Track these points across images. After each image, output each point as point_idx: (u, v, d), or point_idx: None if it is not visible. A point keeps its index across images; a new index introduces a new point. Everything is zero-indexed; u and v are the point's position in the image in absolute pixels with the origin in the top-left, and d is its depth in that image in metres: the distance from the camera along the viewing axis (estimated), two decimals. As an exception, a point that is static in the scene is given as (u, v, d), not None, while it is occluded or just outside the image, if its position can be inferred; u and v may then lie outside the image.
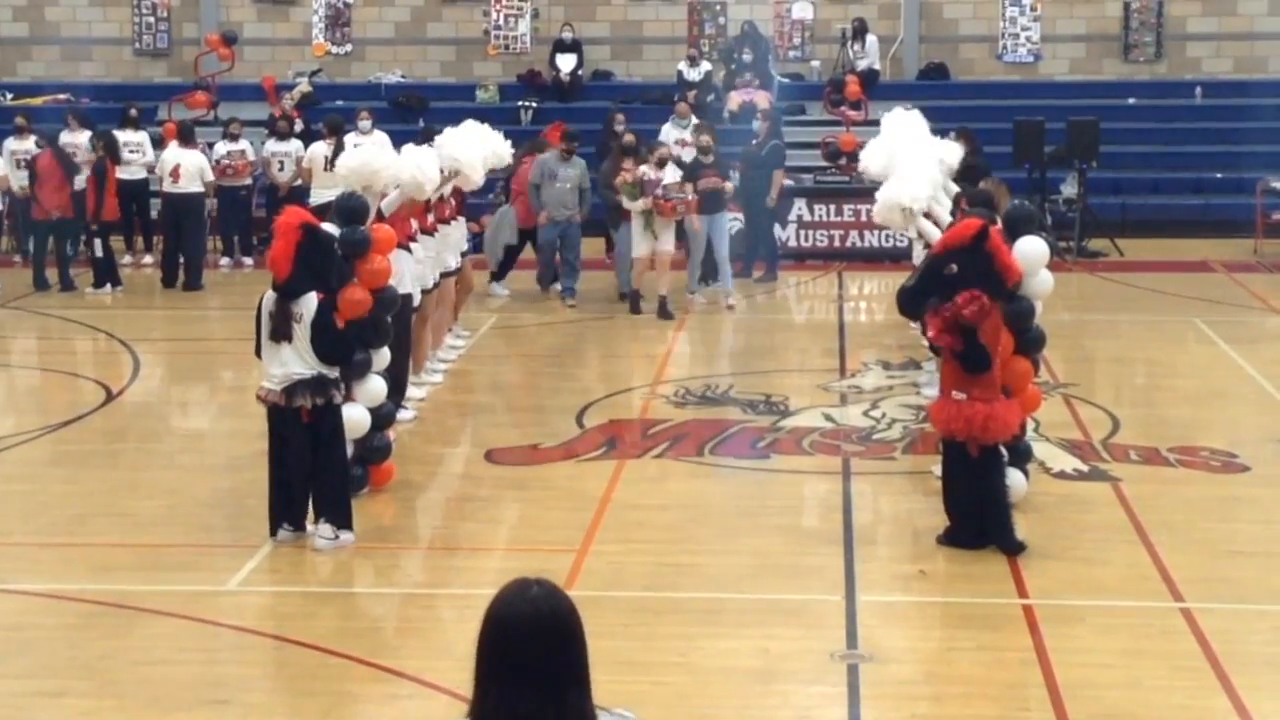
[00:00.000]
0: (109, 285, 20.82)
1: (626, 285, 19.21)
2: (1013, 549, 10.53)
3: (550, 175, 19.21)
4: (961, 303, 10.36)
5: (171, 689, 8.75)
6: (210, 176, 21.63)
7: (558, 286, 19.79)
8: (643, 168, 18.42)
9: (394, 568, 10.80)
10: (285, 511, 10.87)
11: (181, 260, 21.14)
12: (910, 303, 11.11)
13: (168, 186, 21.30)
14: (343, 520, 10.82)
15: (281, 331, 10.58)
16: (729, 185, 19.37)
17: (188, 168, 21.23)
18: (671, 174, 18.45)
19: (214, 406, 15.78)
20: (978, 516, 10.67)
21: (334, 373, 10.70)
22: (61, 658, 9.19)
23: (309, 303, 10.56)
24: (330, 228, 11.28)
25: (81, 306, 20.00)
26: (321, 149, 21.21)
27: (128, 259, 22.60)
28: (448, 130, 15.47)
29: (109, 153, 21.18)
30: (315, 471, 10.78)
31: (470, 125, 15.82)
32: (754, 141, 21.49)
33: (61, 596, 10.07)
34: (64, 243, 21.05)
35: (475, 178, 15.30)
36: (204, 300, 20.70)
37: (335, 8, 28.54)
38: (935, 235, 11.72)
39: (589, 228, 20.11)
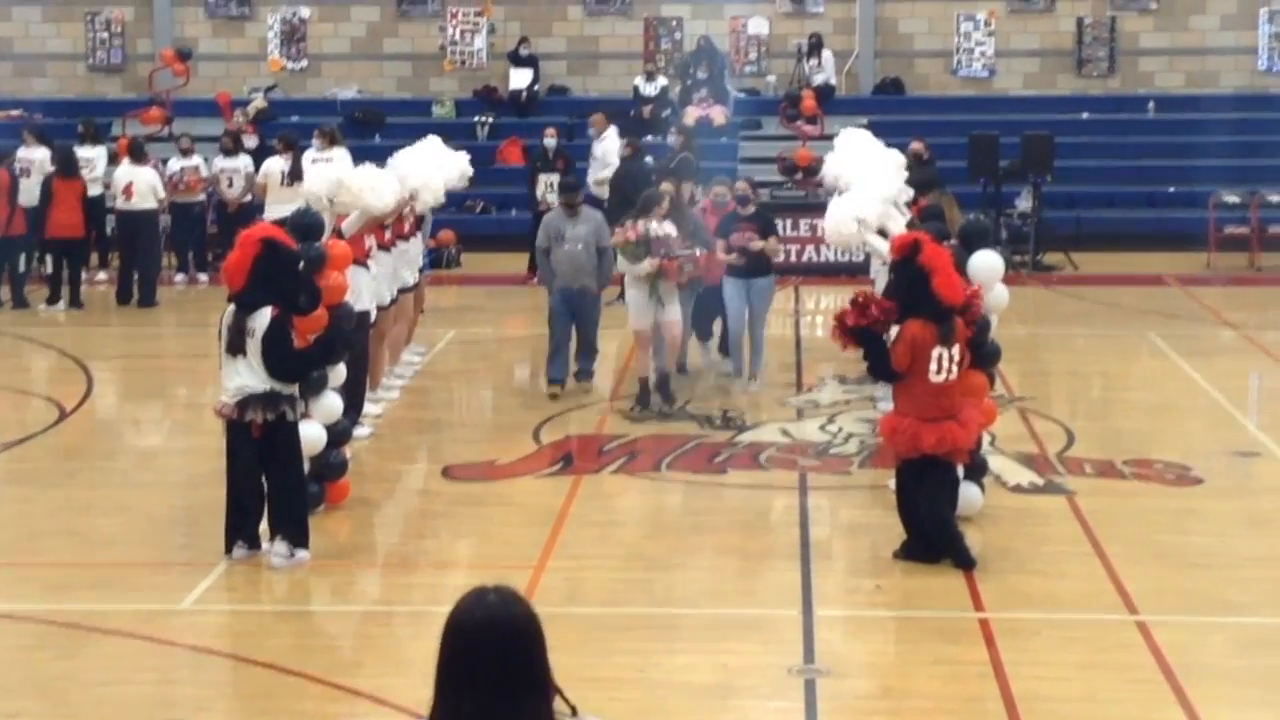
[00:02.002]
0: (61, 302, 20.75)
1: (677, 362, 15.93)
2: (965, 563, 10.57)
3: (557, 236, 15.27)
4: (862, 306, 10.58)
5: (126, 709, 8.69)
6: (163, 193, 21.56)
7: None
8: (647, 222, 14.71)
9: (351, 585, 10.76)
10: (240, 529, 10.82)
11: (136, 277, 21.08)
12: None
13: (121, 204, 21.23)
14: (299, 538, 10.76)
15: (236, 345, 10.54)
16: (774, 243, 15.73)
17: (140, 185, 21.17)
18: (674, 228, 14.85)
19: (169, 424, 15.71)
20: (923, 531, 10.74)
21: (288, 389, 10.65)
22: (15, 678, 9.12)
23: (262, 317, 10.51)
24: None
25: (34, 324, 19.88)
26: (278, 164, 21.16)
27: (82, 275, 22.46)
28: (405, 150, 15.46)
29: (60, 168, 21.03)
30: (271, 488, 10.74)
31: (430, 143, 15.80)
32: (668, 155, 22.18)
33: (15, 616, 9.98)
34: (16, 260, 20.96)
35: (429, 198, 15.26)
36: (158, 317, 20.60)
37: (291, 23, 28.50)
38: (885, 250, 11.76)
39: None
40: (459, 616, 3.99)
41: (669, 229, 14.65)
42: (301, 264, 10.84)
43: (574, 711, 4.13)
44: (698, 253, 14.82)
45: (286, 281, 10.63)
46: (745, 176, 16.72)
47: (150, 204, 21.27)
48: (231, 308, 10.64)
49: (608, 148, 22.67)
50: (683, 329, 15.50)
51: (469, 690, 3.94)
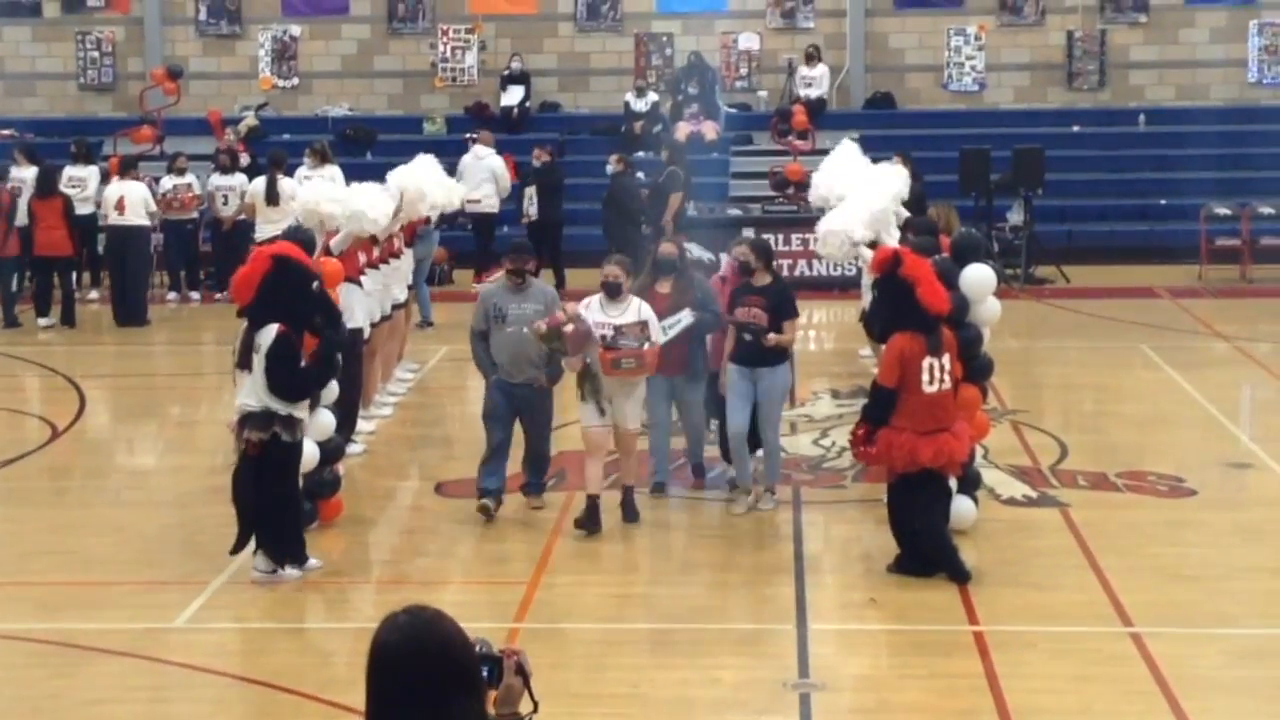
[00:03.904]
0: (51, 318, 20.82)
1: (663, 470, 12.92)
2: (960, 577, 10.56)
3: (497, 315, 12.08)
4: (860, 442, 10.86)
5: (119, 728, 8.67)
6: (153, 208, 21.53)
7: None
8: (584, 303, 11.99)
9: (344, 602, 10.74)
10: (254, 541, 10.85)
11: (119, 292, 21.14)
12: (868, 324, 11.35)
13: (114, 219, 21.20)
14: (279, 556, 10.74)
15: (244, 360, 10.61)
16: (786, 334, 12.26)
17: (132, 200, 21.13)
18: (636, 310, 11.88)
19: (161, 442, 15.68)
20: (918, 546, 10.72)
21: (285, 409, 10.59)
22: (8, 698, 9.09)
23: (268, 334, 10.53)
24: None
25: (26, 343, 19.85)
26: (264, 183, 21.14)
27: (75, 294, 22.45)
28: (400, 168, 15.47)
29: (37, 188, 20.94)
30: (260, 505, 10.70)
31: (425, 160, 15.82)
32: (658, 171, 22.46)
33: (7, 636, 9.96)
34: (9, 279, 20.96)
35: (423, 207, 15.25)
36: (149, 335, 20.57)
37: (281, 41, 28.50)
38: (876, 263, 11.76)
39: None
40: (378, 644, 4.13)
41: (604, 314, 11.79)
42: (315, 284, 10.75)
43: (535, 708, 4.25)
44: (645, 347, 11.74)
45: (296, 301, 10.60)
46: (749, 240, 13.12)
47: (142, 220, 21.23)
48: (244, 323, 10.66)
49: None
50: (704, 421, 13.05)
51: (398, 712, 4.07)
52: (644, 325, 11.81)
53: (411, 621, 4.11)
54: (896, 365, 10.58)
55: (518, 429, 12.30)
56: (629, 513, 12.09)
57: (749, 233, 22.97)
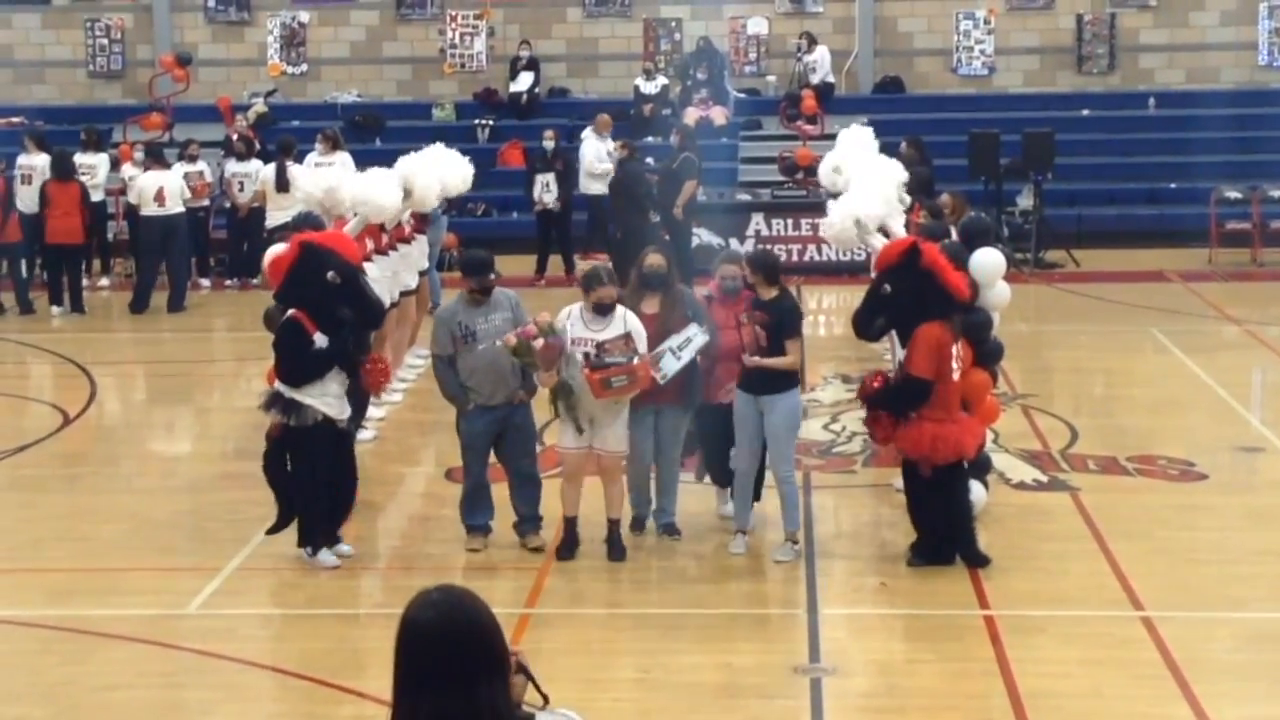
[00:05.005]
0: (63, 305, 20.85)
1: (642, 504, 11.48)
2: (977, 561, 10.56)
3: (466, 334, 10.90)
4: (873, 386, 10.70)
5: (132, 713, 8.71)
6: (188, 195, 21.54)
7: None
8: (564, 313, 10.73)
9: (355, 588, 10.76)
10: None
11: (164, 282, 21.20)
12: (862, 327, 11.06)
13: (154, 210, 21.00)
14: (303, 540, 10.80)
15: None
16: (790, 356, 10.84)
17: (172, 189, 21.09)
18: (620, 322, 10.60)
19: (173, 429, 15.72)
20: (943, 530, 10.66)
21: (288, 392, 10.59)
22: (21, 684, 9.13)
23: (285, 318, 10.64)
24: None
25: (37, 330, 19.87)
26: (274, 171, 21.14)
27: (84, 281, 22.46)
28: (409, 155, 15.45)
29: (55, 171, 20.94)
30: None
31: (433, 149, 15.81)
32: (670, 156, 22.30)
33: (20, 622, 9.99)
34: (16, 266, 20.99)
35: (428, 200, 15.22)
36: (159, 323, 20.58)
37: (290, 28, 28.51)
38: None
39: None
40: (409, 621, 4.12)
41: (586, 329, 10.58)
42: (330, 274, 10.62)
43: (546, 701, 4.24)
44: (634, 360, 10.44)
45: (312, 290, 10.59)
46: (750, 255, 11.58)
47: (180, 208, 21.24)
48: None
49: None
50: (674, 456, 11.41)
51: (426, 690, 4.06)
52: (628, 338, 10.50)
53: (445, 599, 4.12)
54: (934, 356, 10.42)
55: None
56: (615, 550, 10.92)
57: (758, 218, 23.21)
